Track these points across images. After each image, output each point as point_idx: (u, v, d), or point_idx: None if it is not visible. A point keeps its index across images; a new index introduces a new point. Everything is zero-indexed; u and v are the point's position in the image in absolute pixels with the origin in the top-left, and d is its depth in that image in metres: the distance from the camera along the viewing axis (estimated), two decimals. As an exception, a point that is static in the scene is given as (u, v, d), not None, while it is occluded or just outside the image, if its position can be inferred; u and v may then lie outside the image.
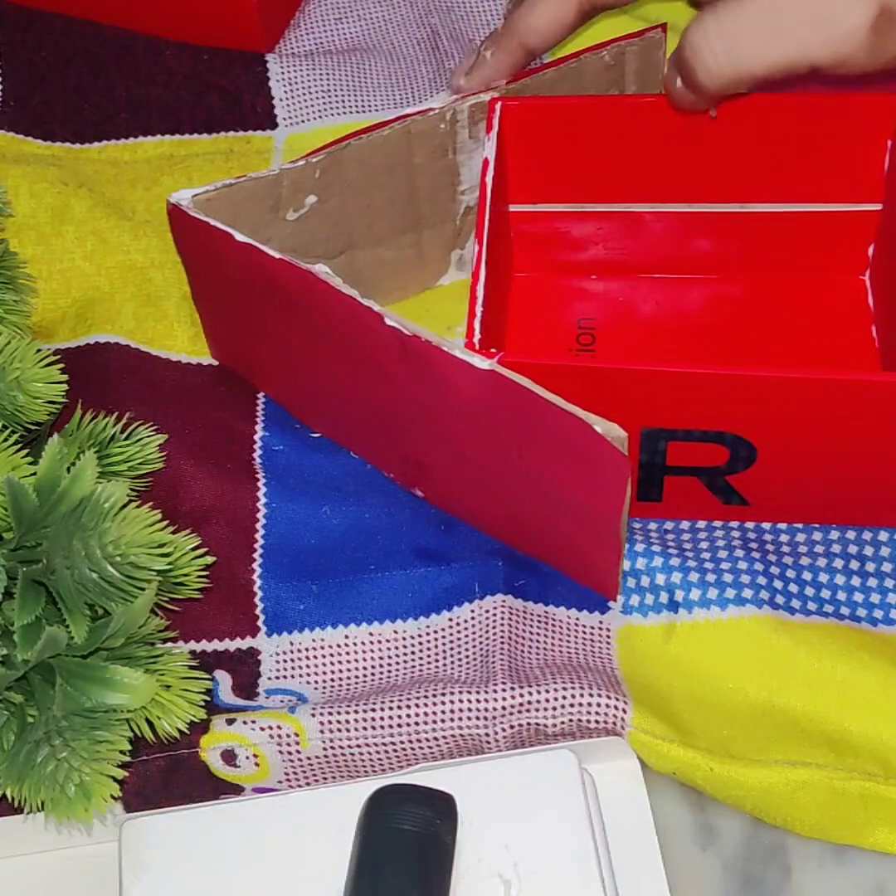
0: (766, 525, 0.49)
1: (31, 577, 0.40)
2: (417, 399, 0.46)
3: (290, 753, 0.44)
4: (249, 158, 0.60)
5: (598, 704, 0.44)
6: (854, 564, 0.48)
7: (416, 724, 0.44)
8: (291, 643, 0.47)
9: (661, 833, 0.43)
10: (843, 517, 0.48)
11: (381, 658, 0.47)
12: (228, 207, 0.49)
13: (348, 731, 0.44)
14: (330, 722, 0.44)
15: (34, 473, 0.41)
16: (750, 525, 0.49)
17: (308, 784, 0.45)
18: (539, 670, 0.45)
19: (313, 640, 0.47)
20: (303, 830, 0.41)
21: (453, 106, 0.51)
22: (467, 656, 0.46)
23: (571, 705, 0.44)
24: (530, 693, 0.44)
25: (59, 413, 0.47)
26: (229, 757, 0.44)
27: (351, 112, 0.62)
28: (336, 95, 0.62)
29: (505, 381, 0.42)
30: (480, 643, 0.46)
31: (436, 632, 0.47)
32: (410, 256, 0.55)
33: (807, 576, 0.47)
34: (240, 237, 0.46)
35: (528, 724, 0.44)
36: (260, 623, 0.48)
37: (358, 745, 0.44)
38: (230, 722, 0.44)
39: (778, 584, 0.47)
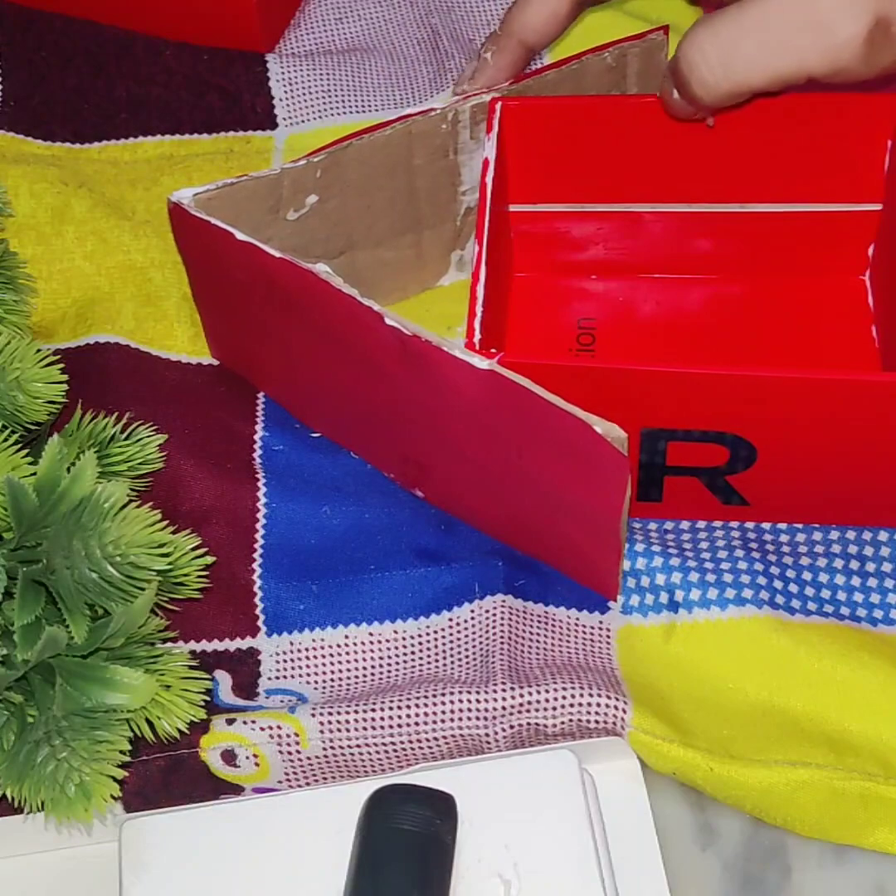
0: (766, 525, 0.49)
1: (31, 577, 0.40)
2: (417, 399, 0.46)
3: (290, 753, 0.44)
4: (249, 158, 0.60)
5: (598, 704, 0.44)
6: (854, 564, 0.48)
7: (416, 724, 0.44)
8: (291, 643, 0.47)
9: (661, 833, 0.43)
10: (843, 517, 0.48)
11: (381, 658, 0.47)
12: (229, 207, 0.49)
13: (348, 731, 0.44)
14: (330, 722, 0.44)
15: (34, 473, 0.41)
16: (750, 525, 0.49)
17: (308, 784, 0.45)
18: (539, 670, 0.45)
19: (313, 641, 0.47)
20: (303, 830, 0.41)
21: (455, 106, 0.51)
22: (467, 656, 0.46)
23: (571, 705, 0.44)
24: (530, 693, 0.44)
25: (59, 413, 0.47)
26: (229, 757, 0.44)
27: (351, 112, 0.62)
28: (336, 95, 0.62)
29: (505, 382, 0.42)
30: (480, 643, 0.46)
31: (436, 632, 0.47)
32: (410, 257, 0.55)
33: (807, 576, 0.47)
34: (240, 236, 0.46)
35: (528, 724, 0.44)
36: (260, 623, 0.48)
37: (358, 745, 0.44)
38: (230, 722, 0.44)
39: (778, 584, 0.47)
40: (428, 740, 0.44)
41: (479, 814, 0.41)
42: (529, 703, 0.44)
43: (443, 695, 0.44)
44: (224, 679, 0.46)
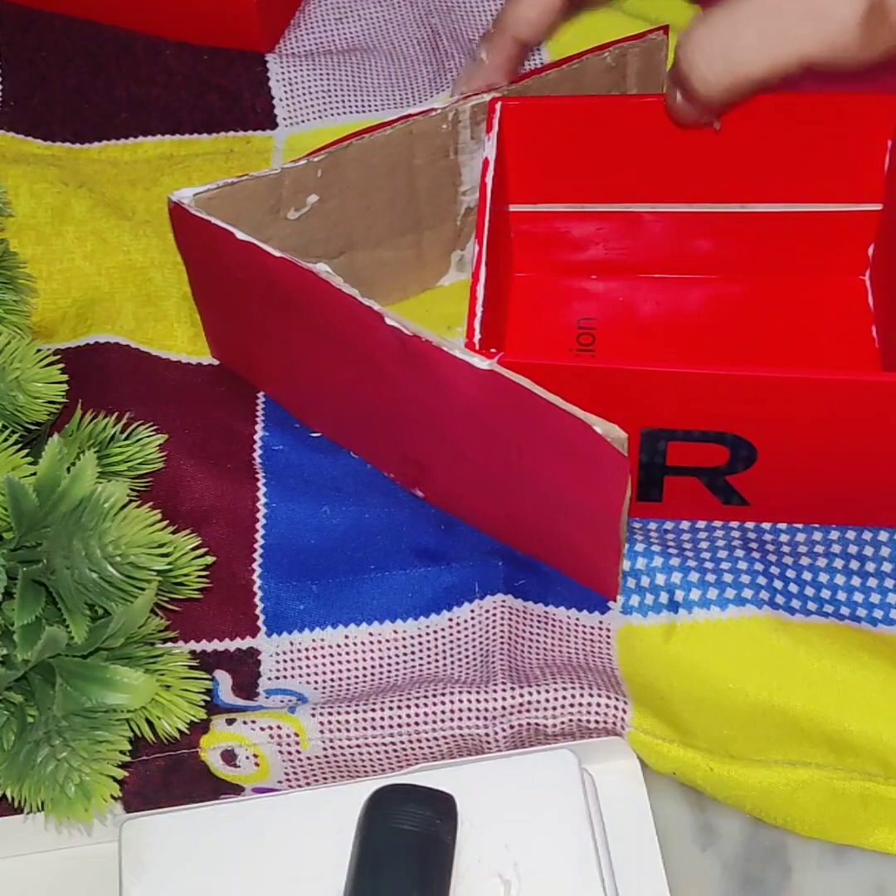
0: (766, 525, 0.49)
1: (31, 577, 0.40)
2: (417, 399, 0.46)
3: (290, 753, 0.44)
4: (249, 158, 0.60)
5: (598, 704, 0.44)
6: (854, 564, 0.48)
7: (416, 724, 0.44)
8: (291, 643, 0.47)
9: (661, 833, 0.43)
10: (843, 517, 0.48)
11: (380, 658, 0.47)
12: (229, 206, 0.49)
13: (348, 730, 0.44)
14: (330, 722, 0.44)
15: (34, 473, 0.41)
16: (750, 525, 0.49)
17: (308, 784, 0.45)
18: (539, 670, 0.45)
19: (313, 640, 0.47)
20: (303, 830, 0.41)
21: (455, 106, 0.51)
22: (467, 656, 0.46)
23: (571, 705, 0.44)
24: (530, 693, 0.44)
25: (59, 413, 0.47)
26: (229, 757, 0.44)
27: (351, 112, 0.62)
28: (336, 95, 0.62)
29: (505, 382, 0.42)
30: (480, 643, 0.46)
31: (436, 632, 0.47)
32: (411, 257, 0.55)
33: (807, 576, 0.47)
34: (241, 236, 0.46)
35: (528, 724, 0.44)
36: (260, 623, 0.48)
37: (358, 745, 0.44)
38: (230, 722, 0.44)
39: (778, 584, 0.47)
40: (428, 740, 0.44)
41: (479, 814, 0.41)
42: (529, 702, 0.44)
43: (443, 694, 0.44)
44: (224, 679, 0.46)
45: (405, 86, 0.62)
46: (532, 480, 0.45)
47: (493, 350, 0.43)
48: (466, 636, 0.46)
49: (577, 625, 0.47)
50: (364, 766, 0.44)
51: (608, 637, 0.46)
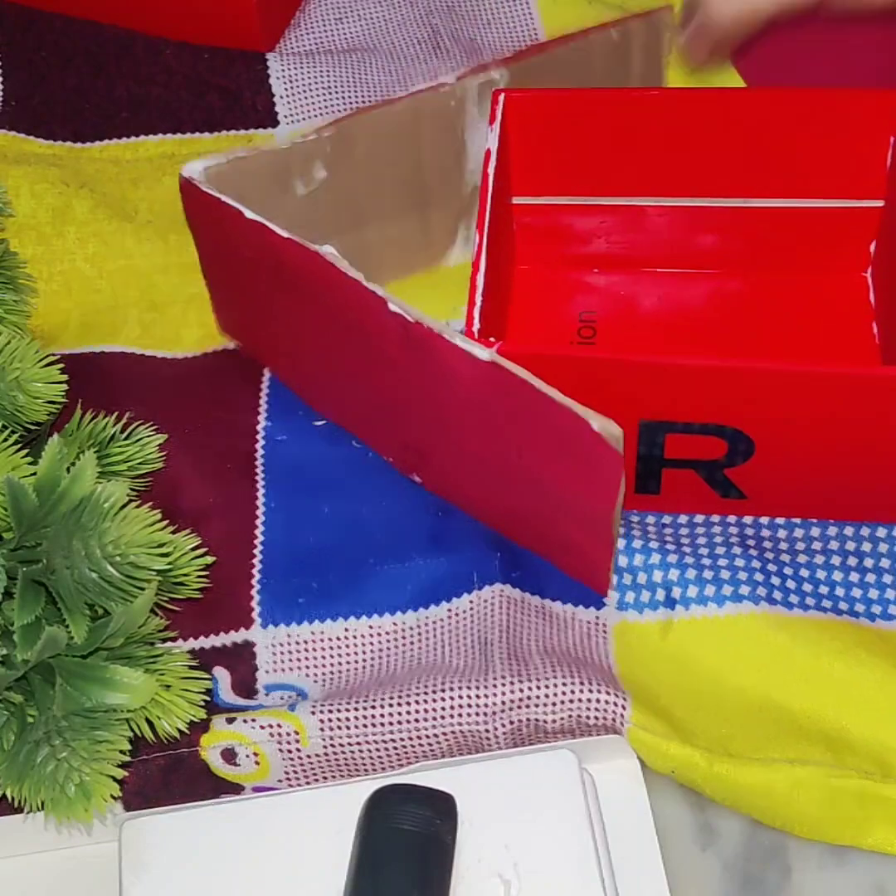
0: (764, 521, 0.49)
1: (31, 577, 0.40)
2: (418, 385, 0.46)
3: (290, 752, 0.44)
4: (251, 157, 0.60)
5: (598, 701, 0.44)
6: (852, 560, 0.48)
7: (416, 720, 0.44)
8: (289, 635, 0.47)
9: (661, 833, 0.43)
10: (841, 512, 0.48)
11: (380, 650, 0.47)
12: (239, 180, 0.49)
13: (348, 728, 0.44)
14: (330, 719, 0.44)
15: (34, 473, 0.41)
16: (747, 521, 0.49)
17: (308, 782, 0.45)
18: (539, 658, 0.45)
19: (312, 633, 0.47)
20: (303, 830, 0.41)
21: (463, 82, 0.51)
22: (466, 646, 0.46)
23: (571, 701, 0.44)
24: (530, 688, 0.44)
25: (59, 413, 0.47)
26: (229, 756, 0.44)
27: (352, 109, 0.61)
28: (337, 93, 0.62)
29: (503, 372, 0.42)
30: (479, 633, 0.46)
31: (435, 623, 0.47)
32: (418, 234, 0.55)
33: (804, 572, 0.47)
34: (249, 215, 0.46)
35: (528, 719, 0.44)
36: (255, 615, 0.48)
37: (358, 743, 0.44)
38: (230, 720, 0.44)
39: (775, 580, 0.47)
40: (428, 737, 0.44)
41: (479, 814, 0.41)
42: (529, 698, 0.44)
43: (442, 690, 0.44)
44: (223, 677, 0.46)
45: (406, 85, 0.62)
46: (528, 471, 0.45)
47: (492, 339, 0.43)
48: (466, 626, 0.47)
49: (573, 620, 0.47)
50: (364, 764, 0.45)
51: (604, 633, 0.46)
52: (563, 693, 0.44)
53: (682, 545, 0.48)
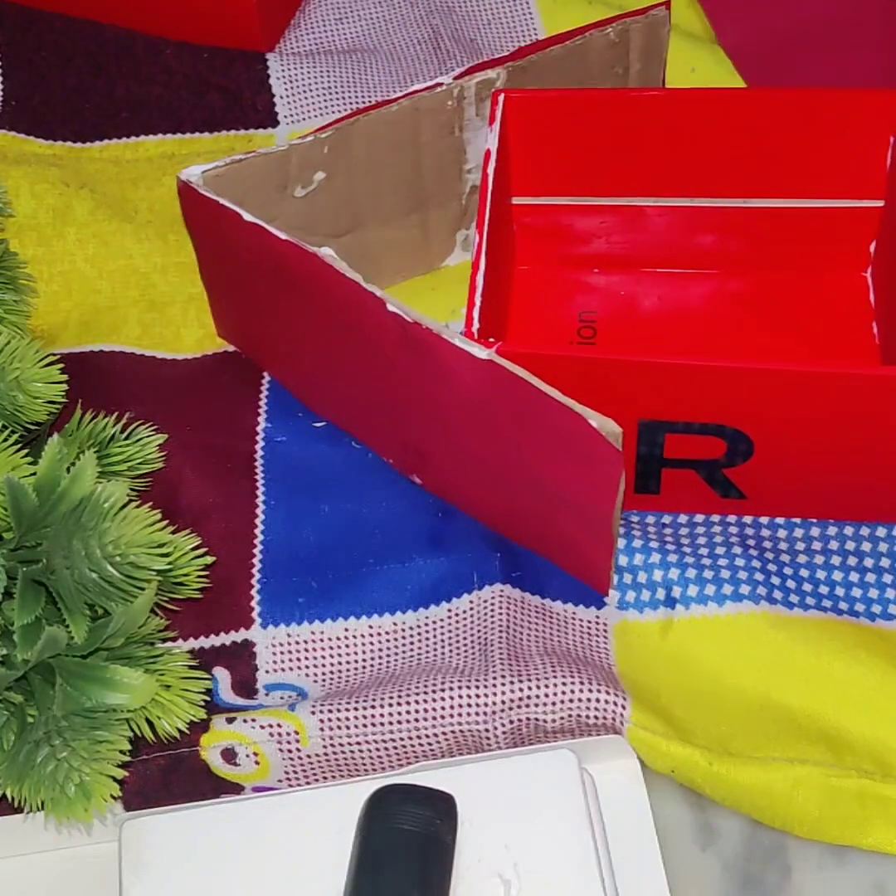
0: (764, 520, 0.49)
1: (31, 577, 0.40)
2: (417, 386, 0.46)
3: (290, 751, 0.44)
4: (251, 157, 0.60)
5: (597, 700, 0.44)
6: (852, 560, 0.48)
7: (416, 720, 0.44)
8: (288, 635, 0.47)
9: (661, 833, 0.43)
10: (841, 512, 0.48)
11: (380, 649, 0.47)
12: (237, 183, 0.49)
13: (348, 728, 0.44)
14: (330, 719, 0.44)
15: (34, 473, 0.41)
16: (747, 520, 0.49)
17: (308, 782, 0.45)
18: (539, 658, 0.45)
19: (312, 633, 0.47)
20: (303, 830, 0.41)
21: (461, 83, 0.51)
22: (466, 646, 0.46)
23: (571, 701, 0.44)
24: (530, 688, 0.44)
25: (59, 413, 0.47)
26: (229, 755, 0.44)
27: (352, 109, 0.62)
28: (337, 93, 0.62)
29: (502, 371, 0.42)
30: (479, 632, 0.46)
31: (435, 623, 0.47)
32: (416, 236, 0.55)
33: (804, 572, 0.47)
34: (248, 217, 0.46)
35: (528, 719, 0.44)
36: (255, 615, 0.48)
37: (358, 743, 0.44)
38: (230, 720, 0.44)
39: (775, 579, 0.47)
40: (428, 737, 0.44)
41: (479, 814, 0.41)
42: (529, 697, 0.44)
43: (442, 690, 0.44)
44: (223, 677, 0.46)
45: (406, 85, 0.62)
46: (528, 471, 0.45)
47: (491, 339, 0.43)
48: (466, 626, 0.47)
49: (573, 619, 0.47)
50: (364, 764, 0.45)
51: (605, 632, 0.46)
52: (563, 693, 0.44)
53: (682, 545, 0.48)
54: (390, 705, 0.44)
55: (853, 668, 0.44)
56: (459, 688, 0.44)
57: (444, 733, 0.44)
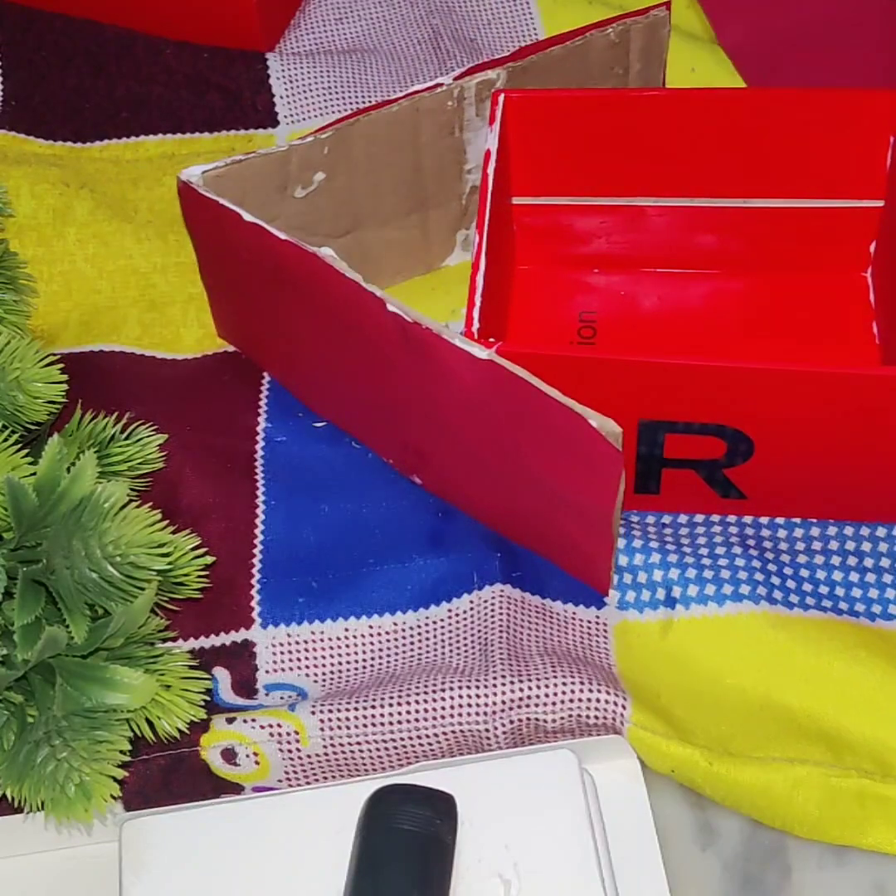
0: (764, 521, 0.49)
1: (31, 577, 0.40)
2: (417, 386, 0.46)
3: (290, 751, 0.44)
4: (251, 157, 0.60)
5: (598, 700, 0.44)
6: (852, 560, 0.48)
7: (416, 720, 0.44)
8: (288, 635, 0.47)
9: (661, 833, 0.43)
10: (841, 512, 0.48)
11: (380, 650, 0.47)
12: (237, 184, 0.49)
13: (348, 728, 0.44)
14: (330, 719, 0.44)
15: (34, 473, 0.41)
16: (748, 520, 0.49)
17: (308, 782, 0.45)
18: (539, 658, 0.45)
19: (312, 633, 0.47)
20: (303, 830, 0.41)
21: (461, 83, 0.51)
22: (467, 646, 0.46)
23: (571, 701, 0.44)
24: (530, 688, 0.44)
25: (59, 413, 0.47)
26: (229, 755, 0.44)
27: (353, 109, 0.62)
28: (338, 92, 0.62)
29: (502, 371, 0.42)
30: (479, 632, 0.46)
31: (435, 623, 0.47)
32: (416, 236, 0.55)
33: (804, 572, 0.47)
34: (248, 217, 0.46)
35: (528, 719, 0.44)
36: (255, 615, 0.48)
37: (358, 743, 0.44)
38: (230, 720, 0.44)
39: (775, 579, 0.47)
40: (428, 737, 0.44)
41: (479, 814, 0.41)
42: (529, 697, 0.44)
43: (442, 690, 0.44)
44: (223, 677, 0.46)
45: (406, 85, 0.62)
46: (528, 471, 0.45)
47: (491, 339, 0.43)
48: (466, 626, 0.47)
49: (573, 619, 0.47)
50: (364, 764, 0.45)
51: (605, 632, 0.46)
52: (563, 693, 0.44)
53: (682, 545, 0.48)
54: (390, 705, 0.44)
55: (853, 668, 0.44)
56: (459, 688, 0.44)
57: (444, 733, 0.44)
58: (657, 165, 0.53)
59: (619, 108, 0.51)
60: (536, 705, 0.44)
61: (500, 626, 0.46)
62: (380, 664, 0.46)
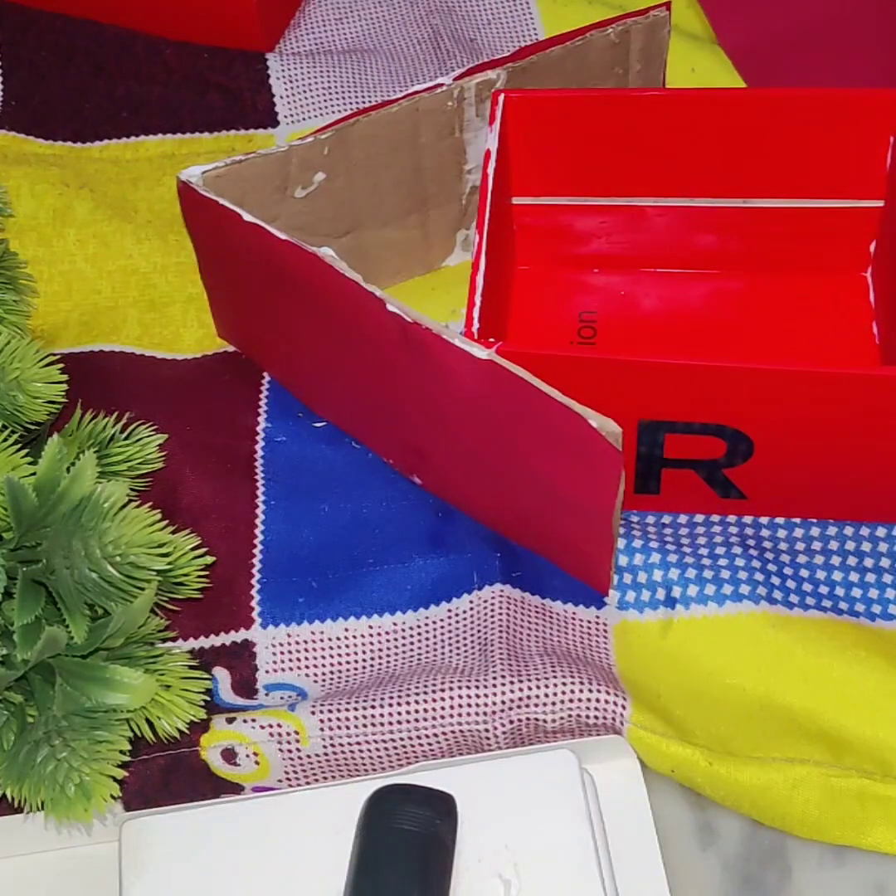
0: (764, 520, 0.49)
1: (31, 577, 0.40)
2: (417, 386, 0.46)
3: (290, 751, 0.44)
4: (251, 157, 0.61)
5: (597, 700, 0.44)
6: (852, 560, 0.48)
7: (416, 720, 0.44)
8: (288, 635, 0.47)
9: (661, 833, 0.43)
10: (840, 512, 0.48)
11: (380, 650, 0.47)
12: (237, 184, 0.49)
13: (348, 728, 0.44)
14: (330, 719, 0.44)
15: (34, 473, 0.41)
16: (748, 520, 0.49)
17: (308, 782, 0.45)
18: (539, 658, 0.45)
19: (312, 633, 0.47)
20: (303, 830, 0.41)
21: (461, 83, 0.51)
22: (466, 646, 0.46)
23: (571, 701, 0.44)
24: (529, 688, 0.44)
25: (59, 413, 0.47)
26: (229, 755, 0.44)
27: (353, 109, 0.62)
28: (338, 92, 0.62)
29: (502, 371, 0.42)
30: (479, 632, 0.46)
31: (435, 623, 0.47)
32: (416, 237, 0.55)
33: (804, 572, 0.47)
34: (247, 217, 0.46)
35: (528, 719, 0.44)
36: (255, 615, 0.48)
37: (358, 743, 0.44)
38: (230, 720, 0.44)
39: (775, 580, 0.47)
40: (428, 737, 0.44)
41: (479, 814, 0.41)
42: (528, 697, 0.44)
43: (442, 690, 0.44)
44: (224, 677, 0.46)
45: (406, 85, 0.62)
46: (527, 471, 0.45)
47: (491, 339, 0.43)
48: (465, 626, 0.47)
49: (573, 619, 0.47)
50: (364, 764, 0.45)
51: (605, 632, 0.46)
52: (563, 693, 0.44)
53: (682, 545, 0.48)
54: (390, 705, 0.44)
55: (853, 667, 0.44)
56: (459, 688, 0.44)
57: (444, 733, 0.44)
58: (657, 165, 0.53)
59: (619, 108, 0.51)
60: (536, 705, 0.44)
61: (500, 626, 0.46)
62: (380, 664, 0.47)
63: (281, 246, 0.46)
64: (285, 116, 0.62)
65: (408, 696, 0.44)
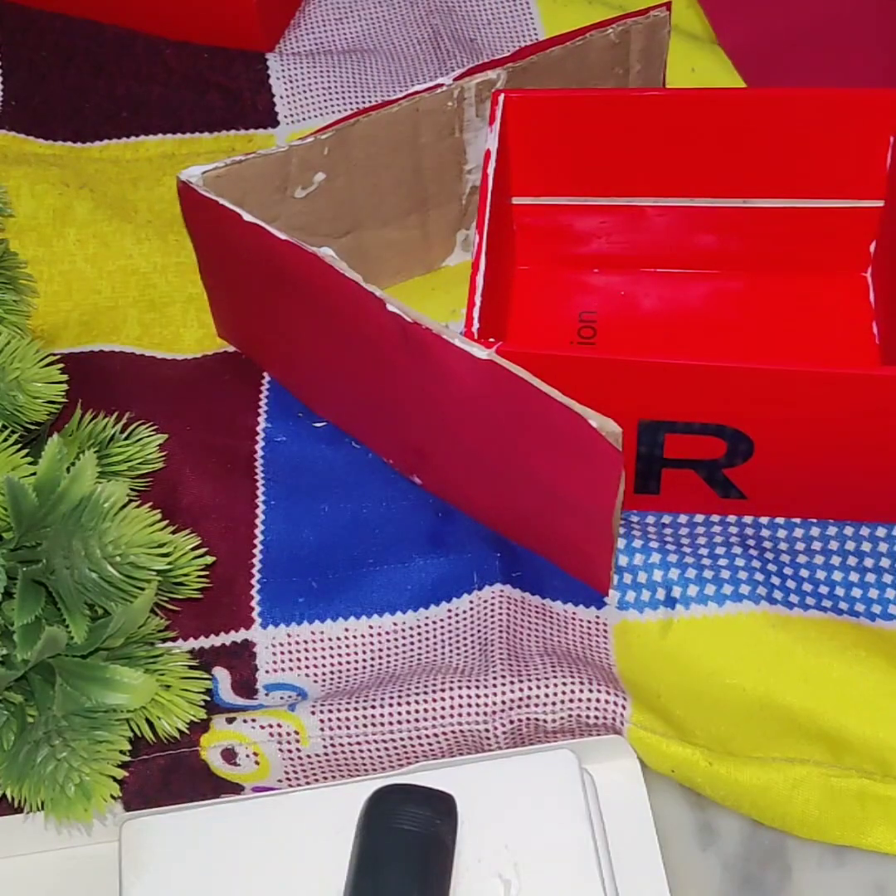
0: (764, 521, 0.49)
1: (31, 577, 0.40)
2: (417, 386, 0.46)
3: (290, 752, 0.44)
4: (251, 157, 0.61)
5: (598, 700, 0.44)
6: (852, 560, 0.48)
7: (416, 720, 0.44)
8: (288, 635, 0.47)
9: (661, 833, 0.43)
10: (840, 512, 0.48)
11: (380, 650, 0.47)
12: (237, 184, 0.49)
13: (348, 728, 0.44)
14: (330, 719, 0.44)
15: (34, 473, 0.41)
16: (748, 520, 0.49)
17: (308, 782, 0.45)
18: (539, 658, 0.45)
19: (312, 633, 0.47)
20: (303, 830, 0.41)
21: (461, 83, 0.51)
22: (466, 646, 0.46)
23: (571, 701, 0.44)
24: (530, 688, 0.44)
25: (59, 413, 0.47)
26: (229, 755, 0.44)
27: (353, 109, 0.62)
28: (338, 92, 0.62)
29: (502, 371, 0.42)
30: (479, 632, 0.46)
31: (435, 623, 0.47)
32: (416, 237, 0.55)
33: (804, 572, 0.47)
34: (247, 217, 0.46)
35: (528, 719, 0.44)
36: (255, 615, 0.48)
37: (358, 743, 0.44)
38: (230, 720, 0.44)
39: (775, 579, 0.47)
40: (428, 737, 0.44)
41: (479, 814, 0.41)
42: (529, 697, 0.44)
43: (442, 690, 0.44)
44: (224, 677, 0.46)
45: (406, 85, 0.62)
46: (528, 471, 0.45)
47: (491, 339, 0.43)
48: (466, 626, 0.47)
49: (573, 619, 0.47)
50: (364, 764, 0.45)
51: (605, 632, 0.46)
52: (563, 693, 0.44)
53: (682, 545, 0.48)
54: (390, 705, 0.44)
55: (853, 667, 0.44)
56: (459, 688, 0.44)
57: (444, 733, 0.44)
58: (657, 165, 0.53)
59: (619, 108, 0.51)
60: (536, 705, 0.44)
61: (500, 626, 0.46)
62: (380, 664, 0.47)
63: (281, 246, 0.46)
64: (285, 116, 0.62)
65: (408, 696, 0.44)
